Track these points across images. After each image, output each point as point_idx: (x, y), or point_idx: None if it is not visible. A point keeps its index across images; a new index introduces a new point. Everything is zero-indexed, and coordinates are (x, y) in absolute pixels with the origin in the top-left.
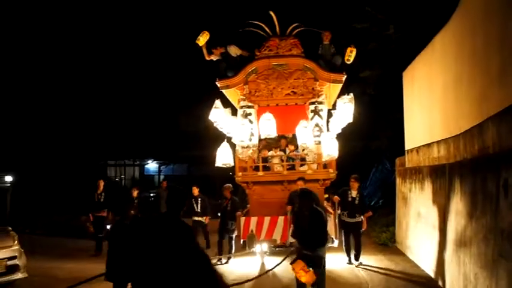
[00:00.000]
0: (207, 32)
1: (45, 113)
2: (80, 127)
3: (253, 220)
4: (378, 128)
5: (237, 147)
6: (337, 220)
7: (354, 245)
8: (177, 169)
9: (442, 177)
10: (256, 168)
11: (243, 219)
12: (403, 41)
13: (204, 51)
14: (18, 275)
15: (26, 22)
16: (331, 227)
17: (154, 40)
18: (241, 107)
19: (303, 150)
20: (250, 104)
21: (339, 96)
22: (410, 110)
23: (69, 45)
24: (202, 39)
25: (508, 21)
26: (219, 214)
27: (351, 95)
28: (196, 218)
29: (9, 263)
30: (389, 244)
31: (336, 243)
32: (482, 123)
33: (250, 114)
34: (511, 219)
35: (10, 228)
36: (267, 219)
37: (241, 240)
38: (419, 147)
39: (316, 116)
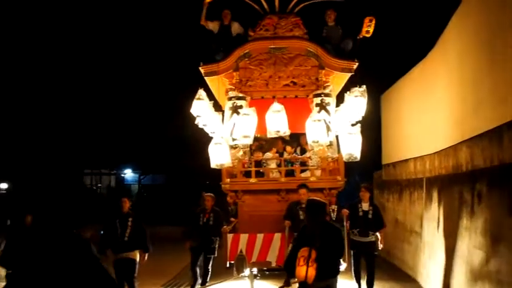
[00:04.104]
0: None
1: (22, 119)
2: (65, 133)
3: (243, 238)
4: None
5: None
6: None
7: (366, 270)
8: (157, 178)
9: (420, 189)
10: (248, 174)
11: (230, 236)
12: (379, 68)
13: (204, 11)
14: None
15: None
16: None
17: (134, 37)
18: (230, 98)
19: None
20: (241, 95)
21: (343, 90)
22: (387, 129)
23: (49, 49)
24: None
25: (482, 62)
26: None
27: (364, 87)
28: (123, 255)
29: None
30: None
31: (343, 267)
32: (457, 145)
33: (241, 107)
34: (483, 219)
35: None
36: (260, 237)
37: (228, 263)
38: (396, 162)
39: (323, 112)
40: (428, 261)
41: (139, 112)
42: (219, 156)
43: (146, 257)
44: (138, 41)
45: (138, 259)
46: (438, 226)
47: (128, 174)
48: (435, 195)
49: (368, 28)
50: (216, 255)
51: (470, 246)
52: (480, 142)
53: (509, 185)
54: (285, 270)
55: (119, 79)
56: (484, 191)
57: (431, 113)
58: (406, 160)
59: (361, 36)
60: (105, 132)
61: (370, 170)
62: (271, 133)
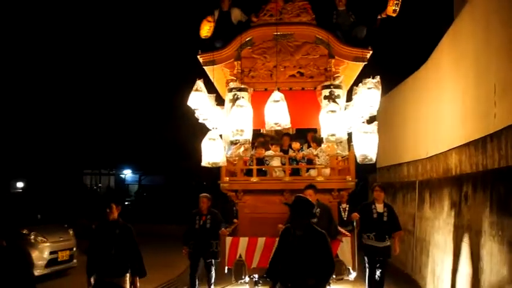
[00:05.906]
0: (207, 19)
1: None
2: (65, 133)
3: (243, 241)
4: None
5: (223, 144)
6: (354, 245)
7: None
8: (156, 179)
9: (413, 191)
10: (249, 173)
11: (229, 239)
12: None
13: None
14: (74, 263)
15: None
16: (347, 254)
17: (130, 38)
18: (231, 90)
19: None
20: (242, 86)
21: (355, 83)
22: (381, 134)
23: (49, 51)
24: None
25: (468, 80)
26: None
27: (378, 78)
28: (109, 280)
29: (70, 252)
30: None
31: (352, 276)
32: (447, 151)
33: (242, 98)
34: (469, 217)
35: (66, 225)
36: (261, 241)
37: (226, 268)
38: (390, 166)
39: (333, 104)
40: (420, 256)
41: (139, 113)
42: (212, 153)
43: (138, 283)
44: (137, 40)
45: (127, 286)
46: (429, 224)
47: (128, 174)
48: (427, 196)
49: (395, 7)
50: (218, 259)
51: (458, 241)
52: (467, 150)
53: (491, 188)
54: (268, 278)
55: (119, 79)
56: (469, 193)
57: (424, 122)
58: (400, 164)
59: (383, 16)
60: (105, 132)
61: (365, 173)
62: (270, 125)
